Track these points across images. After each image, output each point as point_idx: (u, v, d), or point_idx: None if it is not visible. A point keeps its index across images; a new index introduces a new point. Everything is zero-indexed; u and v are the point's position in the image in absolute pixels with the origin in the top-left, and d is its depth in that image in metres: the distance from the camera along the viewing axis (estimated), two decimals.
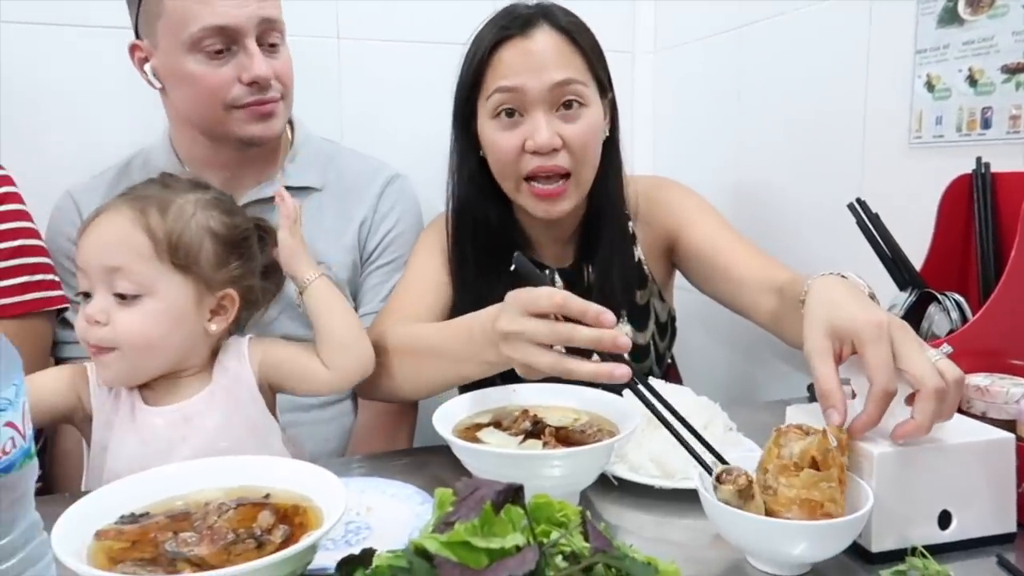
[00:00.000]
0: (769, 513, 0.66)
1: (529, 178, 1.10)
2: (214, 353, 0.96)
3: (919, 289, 0.92)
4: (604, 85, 1.13)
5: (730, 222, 1.22)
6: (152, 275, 0.87)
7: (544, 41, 1.07)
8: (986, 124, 1.05)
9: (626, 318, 1.21)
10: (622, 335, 0.78)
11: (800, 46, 1.37)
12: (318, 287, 0.97)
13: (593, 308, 0.78)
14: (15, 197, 1.11)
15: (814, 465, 0.67)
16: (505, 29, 1.08)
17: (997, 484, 0.72)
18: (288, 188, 1.21)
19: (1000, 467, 0.72)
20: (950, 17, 1.09)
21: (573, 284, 1.21)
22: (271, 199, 1.19)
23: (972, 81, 1.06)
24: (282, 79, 1.13)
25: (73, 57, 1.42)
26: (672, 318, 1.31)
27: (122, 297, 0.87)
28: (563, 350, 0.80)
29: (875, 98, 1.22)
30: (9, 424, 0.57)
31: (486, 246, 1.16)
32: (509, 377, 1.11)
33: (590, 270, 1.20)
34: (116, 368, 0.88)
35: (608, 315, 0.78)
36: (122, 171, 1.24)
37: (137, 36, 1.14)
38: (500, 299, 0.87)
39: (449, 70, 1.55)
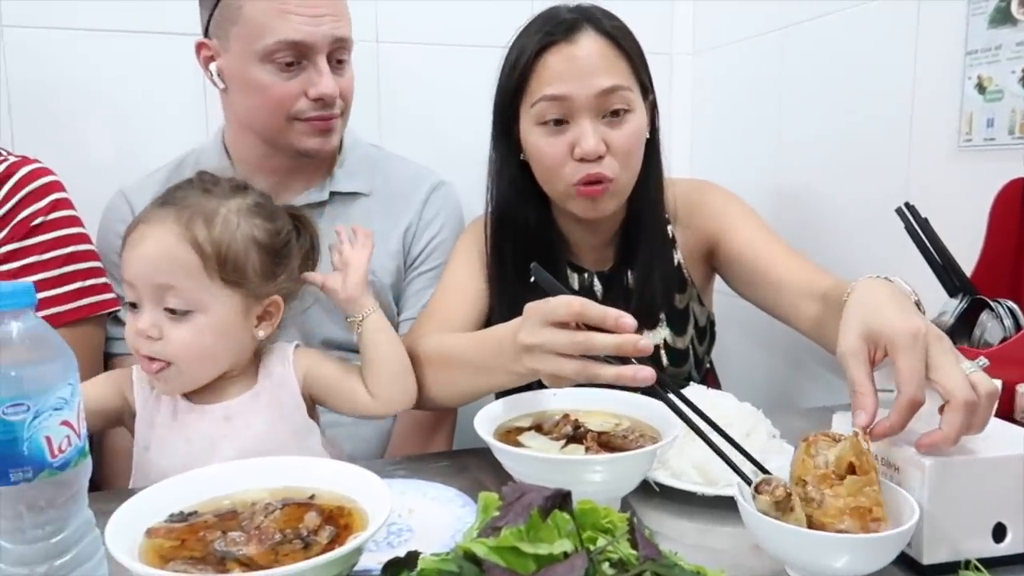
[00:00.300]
0: (819, 525, 0.64)
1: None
2: (256, 354, 0.97)
3: (970, 296, 0.90)
4: (646, 87, 1.13)
5: (771, 226, 1.20)
6: (202, 292, 0.88)
7: (589, 47, 1.06)
8: None
9: (665, 322, 1.21)
10: (644, 339, 0.76)
11: (845, 47, 1.34)
12: (373, 320, 0.99)
13: (612, 313, 0.76)
14: (65, 203, 1.12)
15: (852, 470, 0.66)
16: (549, 35, 1.07)
17: None
18: (336, 193, 1.24)
19: None
20: (1003, 17, 1.06)
21: (612, 288, 1.20)
22: (318, 204, 1.21)
23: None
24: (345, 96, 1.15)
25: (121, 61, 1.45)
26: (711, 322, 1.30)
27: (172, 311, 0.88)
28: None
29: (923, 100, 1.20)
30: (65, 423, 0.59)
31: (525, 250, 1.15)
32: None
33: (630, 274, 1.19)
34: (173, 382, 0.90)
35: (628, 319, 0.76)
36: (174, 171, 1.26)
37: (206, 34, 1.16)
38: (542, 295, 0.86)
39: (488, 73, 1.55)
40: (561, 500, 0.52)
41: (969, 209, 1.02)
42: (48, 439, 0.57)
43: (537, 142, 1.10)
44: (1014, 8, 1.05)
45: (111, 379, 0.96)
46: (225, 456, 0.87)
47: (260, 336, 0.94)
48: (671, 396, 0.77)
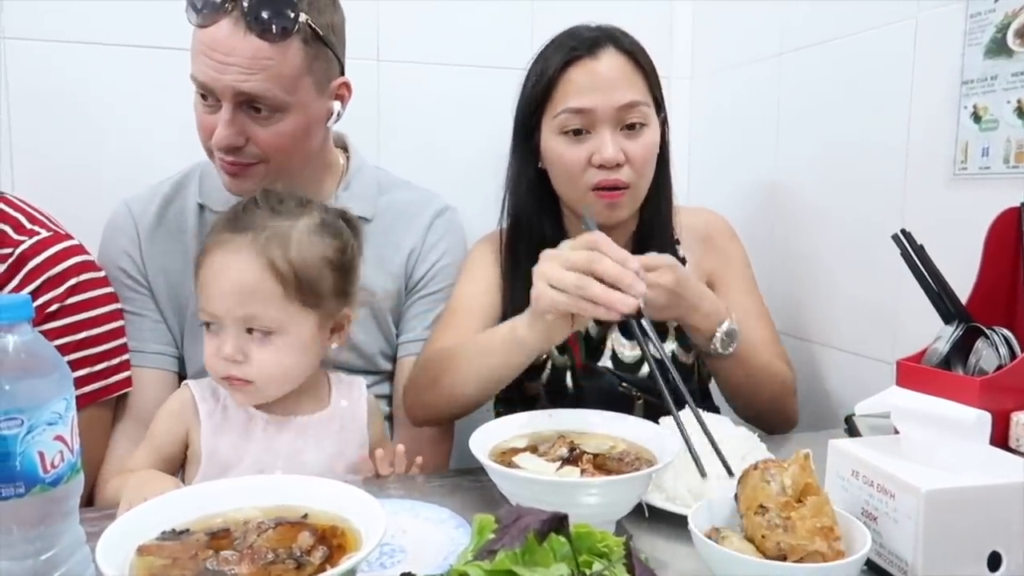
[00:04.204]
0: (790, 549, 0.64)
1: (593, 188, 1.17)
2: (324, 373, 1.04)
3: (966, 323, 0.90)
4: (660, 104, 1.21)
5: (767, 251, 1.22)
6: (284, 316, 0.93)
7: (611, 63, 1.15)
8: None
9: (674, 336, 1.25)
10: (640, 281, 0.86)
11: (842, 74, 1.35)
12: None
13: (622, 255, 0.87)
14: (84, 286, 1.10)
15: (809, 491, 0.67)
16: (574, 50, 1.15)
17: None
18: None
19: None
20: (998, 48, 1.07)
21: None
22: None
23: (1021, 113, 1.04)
24: (264, 148, 1.10)
25: (126, 74, 1.47)
26: None
27: (251, 333, 0.93)
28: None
29: (919, 128, 1.21)
30: (59, 438, 0.59)
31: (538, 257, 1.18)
32: (548, 399, 1.16)
33: None
34: (252, 395, 0.96)
35: (634, 261, 0.87)
36: (179, 183, 1.27)
37: None
38: None
39: (489, 93, 1.57)
40: (557, 524, 0.52)
41: (964, 237, 1.02)
42: (41, 454, 0.57)
43: (559, 149, 1.17)
44: (1010, 39, 1.06)
45: (174, 416, 0.99)
46: (303, 468, 0.94)
47: (333, 347, 1.00)
48: (645, 325, 0.88)
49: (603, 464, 0.80)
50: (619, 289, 0.85)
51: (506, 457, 0.82)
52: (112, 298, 1.16)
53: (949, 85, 1.14)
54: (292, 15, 1.03)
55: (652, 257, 1.03)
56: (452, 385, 1.07)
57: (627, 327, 0.90)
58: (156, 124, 1.46)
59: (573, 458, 0.80)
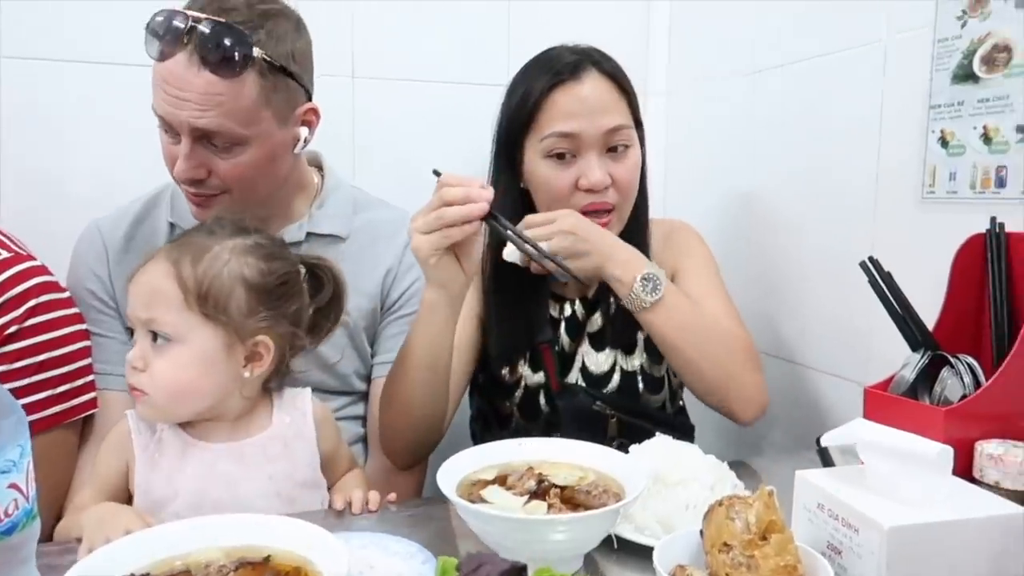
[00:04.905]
0: None
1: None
2: (268, 395, 1.01)
3: (932, 351, 0.91)
4: (639, 123, 1.23)
5: (742, 267, 1.23)
6: (182, 324, 0.91)
7: (595, 86, 1.17)
8: (1000, 183, 1.04)
9: (643, 347, 1.26)
10: (485, 188, 0.98)
11: (814, 93, 1.37)
12: None
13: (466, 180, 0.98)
14: (44, 307, 1.09)
15: (774, 528, 0.67)
16: (558, 74, 1.16)
17: (1012, 560, 0.70)
18: (313, 235, 1.23)
19: (1012, 543, 0.70)
20: (965, 74, 1.09)
21: (593, 312, 1.27)
22: (294, 244, 1.20)
23: (987, 139, 1.06)
24: (225, 180, 1.09)
25: (104, 92, 1.46)
26: None
27: (154, 340, 0.91)
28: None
29: (888, 150, 1.22)
30: (13, 486, 0.57)
31: (518, 277, 1.18)
32: (517, 430, 1.19)
33: (611, 301, 1.25)
34: (151, 410, 0.94)
35: (474, 179, 0.98)
36: (150, 203, 1.26)
37: None
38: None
39: (465, 110, 1.56)
40: (516, 574, 0.52)
41: (933, 261, 1.03)
42: None
43: (545, 173, 1.18)
44: (976, 66, 1.07)
45: (113, 449, 0.97)
46: (244, 494, 0.93)
47: (247, 377, 0.95)
48: (497, 223, 1.00)
49: (571, 497, 0.80)
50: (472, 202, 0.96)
51: (475, 489, 0.82)
52: (76, 319, 1.14)
53: (918, 108, 1.15)
54: (245, 50, 1.02)
55: (549, 213, 1.13)
56: (401, 393, 1.09)
57: (497, 233, 1.03)
58: (126, 141, 1.44)
59: (541, 491, 0.80)
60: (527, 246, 1.04)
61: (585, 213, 1.16)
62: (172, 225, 1.24)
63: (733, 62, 1.57)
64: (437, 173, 1.00)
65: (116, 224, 1.24)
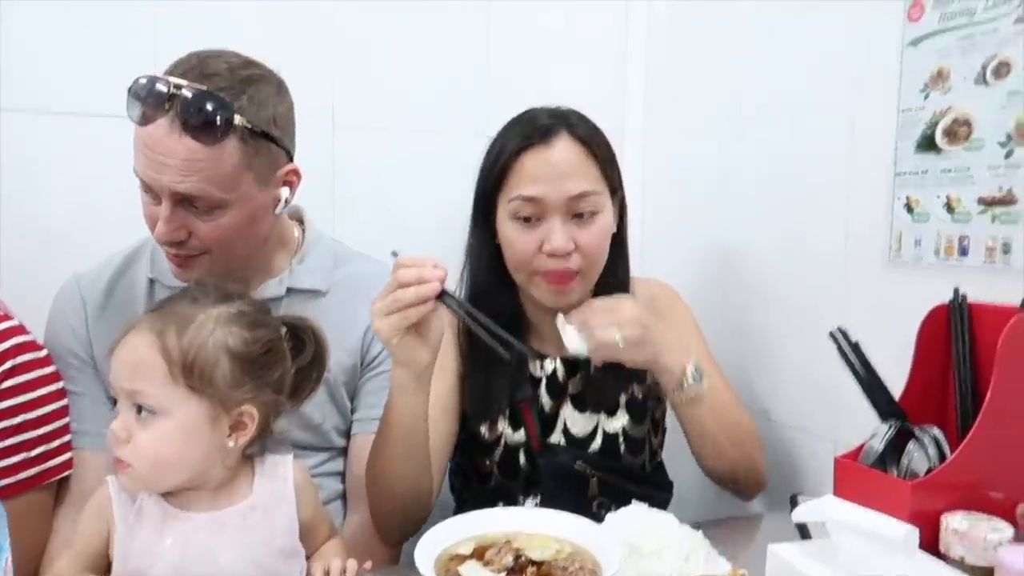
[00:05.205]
0: None
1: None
2: (250, 461, 1.00)
3: (900, 421, 0.94)
4: (615, 187, 1.23)
5: (718, 321, 1.25)
6: (166, 397, 0.90)
7: (563, 151, 1.17)
8: (963, 251, 1.07)
9: (624, 409, 1.27)
10: (438, 266, 0.98)
11: (785, 151, 1.40)
12: None
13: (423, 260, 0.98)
14: (19, 369, 1.09)
15: None
16: (528, 138, 1.18)
17: None
18: (293, 290, 1.24)
19: None
20: (927, 144, 1.12)
21: (574, 373, 1.27)
22: (274, 299, 1.20)
23: (949, 208, 1.09)
24: (202, 239, 1.10)
25: (84, 144, 1.45)
26: (664, 415, 1.34)
27: (139, 413, 0.91)
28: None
29: (857, 213, 1.25)
30: None
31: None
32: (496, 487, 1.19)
33: (592, 360, 1.23)
34: (134, 481, 0.93)
35: (428, 259, 0.98)
36: (130, 257, 1.26)
37: None
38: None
39: (446, 159, 1.57)
40: None
41: (900, 324, 1.06)
42: None
43: (511, 235, 1.19)
44: (938, 137, 1.11)
45: (95, 516, 0.96)
46: (225, 564, 0.91)
47: (231, 446, 0.95)
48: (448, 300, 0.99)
49: (548, 573, 0.80)
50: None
51: (453, 565, 0.82)
52: (54, 377, 1.14)
53: (885, 172, 1.19)
54: (227, 116, 1.03)
55: (610, 298, 1.13)
56: (384, 471, 1.09)
57: (450, 308, 1.01)
58: (108, 193, 1.44)
59: (519, 567, 0.81)
60: (477, 323, 1.03)
61: (548, 276, 1.18)
62: (152, 281, 1.24)
63: (708, 120, 1.61)
64: (395, 254, 1.01)
65: (97, 277, 1.24)
